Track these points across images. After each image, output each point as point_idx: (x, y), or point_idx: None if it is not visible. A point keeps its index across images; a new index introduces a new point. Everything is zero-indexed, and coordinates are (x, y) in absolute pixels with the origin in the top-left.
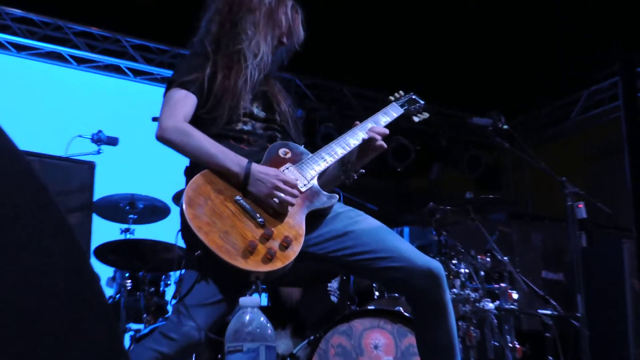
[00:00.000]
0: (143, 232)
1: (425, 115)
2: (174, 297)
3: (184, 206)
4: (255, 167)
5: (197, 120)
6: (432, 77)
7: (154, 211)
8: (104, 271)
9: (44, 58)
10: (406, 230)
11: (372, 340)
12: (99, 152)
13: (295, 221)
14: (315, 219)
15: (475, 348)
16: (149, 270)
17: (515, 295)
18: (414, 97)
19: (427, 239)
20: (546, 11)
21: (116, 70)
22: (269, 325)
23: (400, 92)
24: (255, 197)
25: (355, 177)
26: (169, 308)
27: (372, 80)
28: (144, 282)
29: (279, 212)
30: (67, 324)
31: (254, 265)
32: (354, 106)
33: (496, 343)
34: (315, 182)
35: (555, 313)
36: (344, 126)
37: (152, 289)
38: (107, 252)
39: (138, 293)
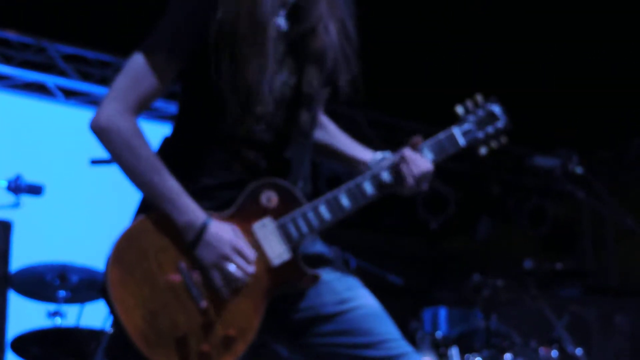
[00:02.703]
0: (78, 315)
1: (502, 140)
2: None
3: (109, 261)
4: (213, 226)
5: (187, 106)
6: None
7: (93, 286)
8: None
9: None
10: (442, 311)
11: None
12: (17, 205)
13: (249, 308)
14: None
15: None
16: None
17: None
18: (494, 110)
19: (470, 324)
20: None
21: (41, 89)
22: None
23: (478, 97)
24: (202, 266)
25: None
26: None
27: (396, 104)
28: None
29: (234, 290)
30: None
31: None
32: (369, 136)
33: None
34: (301, 247)
35: None
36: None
37: None
38: (30, 344)
39: None
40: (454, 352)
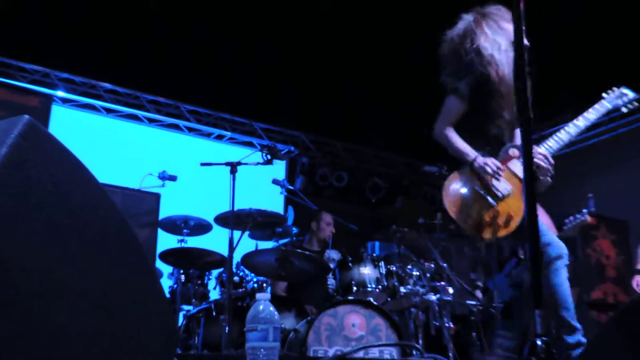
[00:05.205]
0: (193, 242)
1: (636, 104)
2: (214, 287)
3: (445, 185)
4: (478, 159)
5: (473, 117)
6: (403, 134)
7: (201, 228)
8: (166, 269)
9: (125, 118)
10: (377, 244)
11: (350, 320)
12: (163, 186)
13: (517, 202)
14: None
15: (422, 327)
16: (196, 269)
17: (451, 290)
18: (624, 91)
19: (390, 251)
20: None
21: (176, 127)
22: (275, 312)
23: (614, 88)
24: (485, 182)
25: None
26: (210, 295)
27: (359, 137)
28: (193, 277)
29: (505, 196)
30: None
31: (482, 232)
32: (342, 156)
33: (437, 323)
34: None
35: (479, 303)
36: (336, 169)
37: (199, 281)
38: (168, 256)
39: (189, 284)
40: (382, 264)
